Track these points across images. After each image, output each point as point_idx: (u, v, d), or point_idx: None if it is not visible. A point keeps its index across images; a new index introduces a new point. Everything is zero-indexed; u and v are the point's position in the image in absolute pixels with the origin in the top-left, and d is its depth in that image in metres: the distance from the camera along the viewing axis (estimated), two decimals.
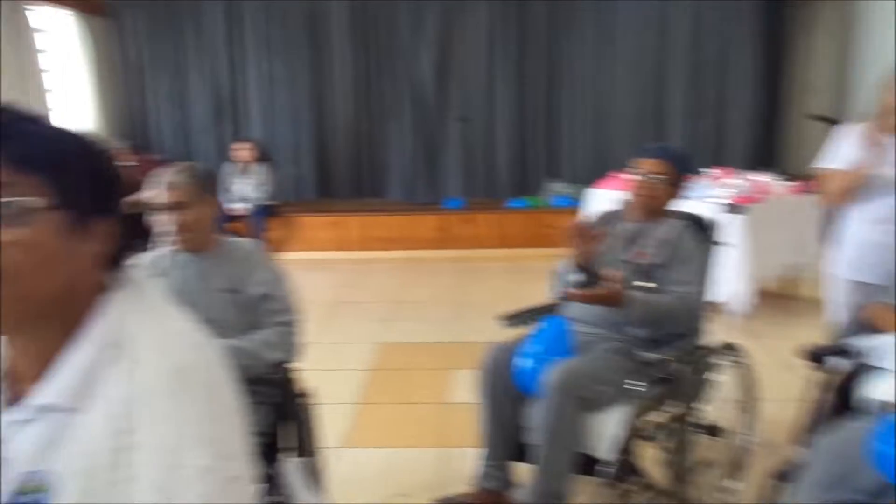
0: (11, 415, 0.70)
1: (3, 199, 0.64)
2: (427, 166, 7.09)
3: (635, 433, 1.90)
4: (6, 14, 5.50)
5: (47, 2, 5.98)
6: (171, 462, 0.65)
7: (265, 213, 6.10)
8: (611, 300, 1.96)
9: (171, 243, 1.87)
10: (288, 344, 1.91)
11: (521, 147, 7.06)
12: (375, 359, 3.85)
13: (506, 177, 7.06)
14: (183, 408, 0.67)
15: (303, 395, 2.00)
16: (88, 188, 0.71)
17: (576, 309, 2.14)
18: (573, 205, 5.67)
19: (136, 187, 1.73)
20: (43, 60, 5.94)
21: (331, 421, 2.42)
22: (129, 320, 0.72)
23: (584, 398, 1.89)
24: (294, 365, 1.98)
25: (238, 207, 5.95)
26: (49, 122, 0.72)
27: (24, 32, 5.72)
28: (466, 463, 2.47)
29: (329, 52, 6.99)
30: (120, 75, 7.06)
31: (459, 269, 6.02)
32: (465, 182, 7.05)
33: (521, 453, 2.06)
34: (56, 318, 0.70)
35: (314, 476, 2.02)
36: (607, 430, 1.89)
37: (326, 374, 2.27)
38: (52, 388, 0.68)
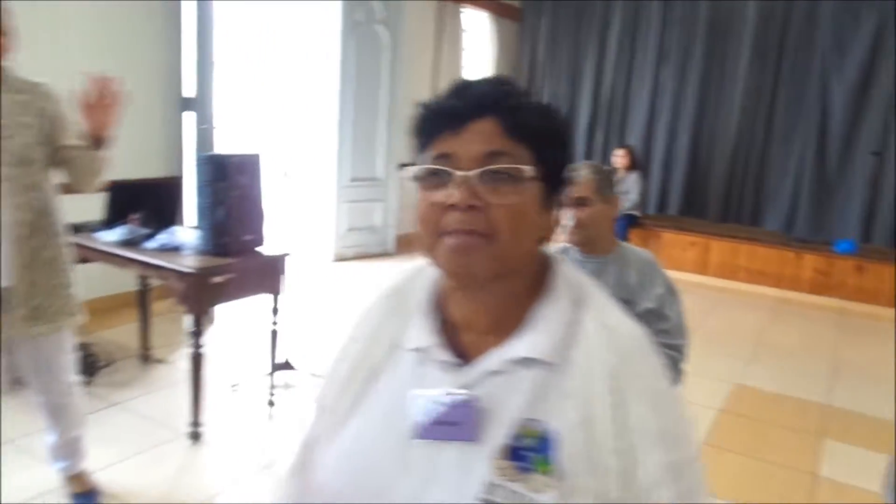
0: (481, 365, 0.73)
1: (502, 167, 0.69)
2: (816, 200, 6.22)
3: None
4: (449, 15, 6.35)
5: (471, 5, 6.72)
6: (663, 410, 0.70)
7: (627, 222, 6.04)
8: None
9: (568, 240, 1.88)
10: (674, 370, 1.78)
11: None
12: (728, 400, 3.51)
13: None
14: (655, 367, 0.73)
15: None
16: (560, 166, 0.75)
17: None
18: None
19: None
20: (464, 57, 6.77)
21: None
22: (583, 289, 0.76)
23: None
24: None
25: None
26: (538, 99, 0.75)
27: (456, 31, 6.55)
28: None
29: (726, 62, 6.57)
30: (522, 75, 7.62)
31: (839, 321, 5.19)
32: (864, 224, 5.99)
33: None
34: (513, 280, 0.74)
35: None
36: None
37: None
38: (531, 344, 0.71)
